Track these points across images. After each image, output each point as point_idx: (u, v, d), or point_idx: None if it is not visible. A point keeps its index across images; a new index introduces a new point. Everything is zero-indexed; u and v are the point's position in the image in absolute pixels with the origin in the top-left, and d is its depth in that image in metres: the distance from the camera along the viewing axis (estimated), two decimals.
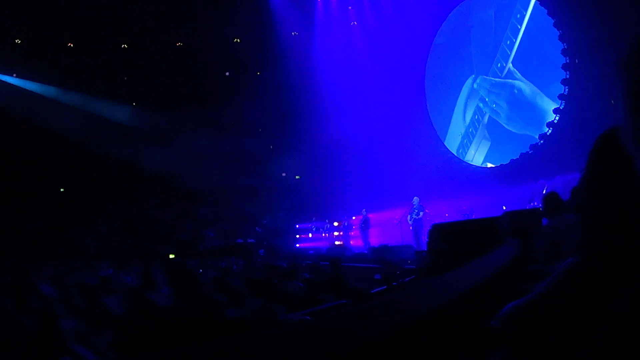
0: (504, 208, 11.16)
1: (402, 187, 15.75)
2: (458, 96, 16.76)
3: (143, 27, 20.16)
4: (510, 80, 14.51)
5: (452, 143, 16.98)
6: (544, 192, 7.49)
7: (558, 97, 13.05)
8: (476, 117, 15.94)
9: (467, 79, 16.37)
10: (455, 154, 16.64)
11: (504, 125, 14.89)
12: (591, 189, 1.07)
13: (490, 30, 15.40)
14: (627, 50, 0.83)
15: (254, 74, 21.52)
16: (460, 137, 16.55)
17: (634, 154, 0.84)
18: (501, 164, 14.70)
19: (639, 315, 0.87)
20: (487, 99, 15.41)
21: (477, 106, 15.86)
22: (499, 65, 14.87)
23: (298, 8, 19.89)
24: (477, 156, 15.98)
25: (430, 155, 16.99)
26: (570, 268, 1.09)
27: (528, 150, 13.83)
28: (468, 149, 16.30)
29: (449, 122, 17.18)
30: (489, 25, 15.45)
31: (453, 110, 16.96)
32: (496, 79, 14.93)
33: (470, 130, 16.16)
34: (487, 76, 15.36)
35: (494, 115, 15.21)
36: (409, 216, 13.83)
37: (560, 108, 12.99)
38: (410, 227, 13.79)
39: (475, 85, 15.76)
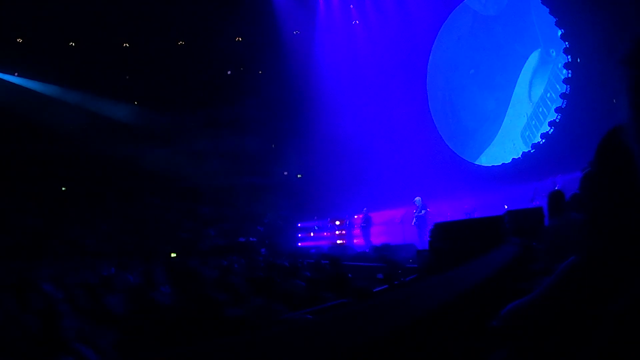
0: (506, 207, 11.14)
1: (403, 185, 15.74)
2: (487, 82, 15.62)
3: (145, 26, 20.18)
4: None
5: (514, 125, 15.23)
6: (556, 188, 7.44)
7: (560, 96, 13.02)
8: (548, 94, 14.08)
9: (528, 53, 14.73)
10: (520, 137, 15.07)
11: None
12: (594, 188, 1.07)
13: None
14: (630, 48, 0.83)
15: (256, 73, 21.56)
16: (525, 118, 14.98)
17: (637, 152, 0.84)
18: (503, 163, 14.65)
19: (639, 315, 0.86)
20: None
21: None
22: None
23: (300, 7, 19.87)
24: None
25: (432, 154, 16.97)
26: (571, 267, 1.09)
27: (530, 149, 13.80)
28: (538, 130, 14.47)
29: (454, 117, 16.45)
30: None
31: (457, 105, 16.53)
32: None
33: (541, 109, 14.36)
34: None
35: None
36: (414, 215, 13.77)
37: (562, 107, 12.98)
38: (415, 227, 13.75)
39: None
